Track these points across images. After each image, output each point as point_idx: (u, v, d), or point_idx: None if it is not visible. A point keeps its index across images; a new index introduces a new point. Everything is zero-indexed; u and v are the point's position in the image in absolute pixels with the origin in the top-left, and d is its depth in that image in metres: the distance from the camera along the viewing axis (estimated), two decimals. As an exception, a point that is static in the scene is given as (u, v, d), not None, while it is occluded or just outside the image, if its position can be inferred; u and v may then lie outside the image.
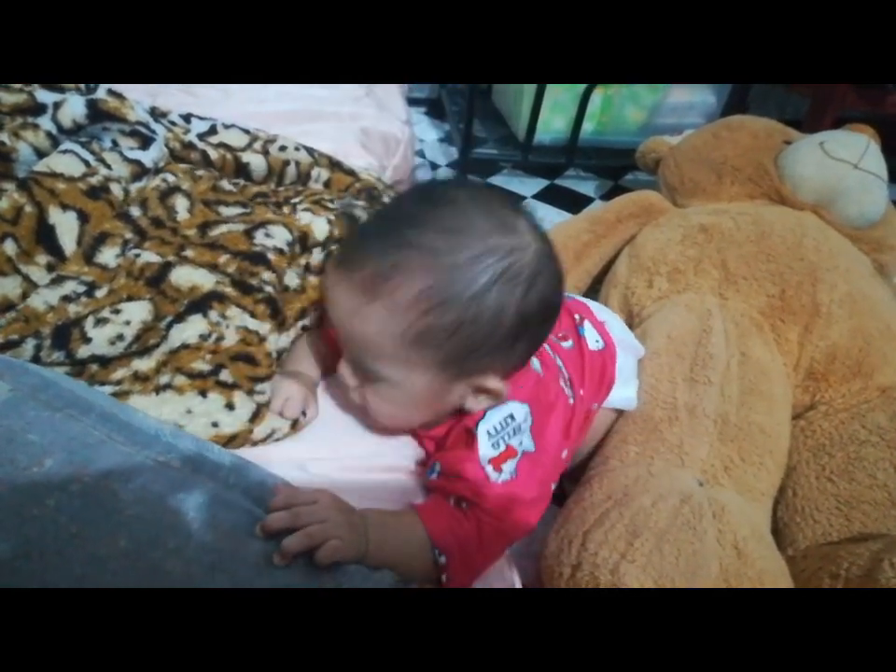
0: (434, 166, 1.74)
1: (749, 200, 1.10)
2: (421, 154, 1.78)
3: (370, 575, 0.50)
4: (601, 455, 0.79)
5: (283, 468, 0.57)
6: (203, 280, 0.63)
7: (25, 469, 0.47)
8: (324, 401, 0.67)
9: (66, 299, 0.60)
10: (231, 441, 0.58)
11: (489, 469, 0.57)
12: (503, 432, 0.59)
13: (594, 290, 1.13)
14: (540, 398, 0.64)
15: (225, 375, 0.59)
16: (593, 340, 0.78)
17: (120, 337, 0.59)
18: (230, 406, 0.58)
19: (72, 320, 0.58)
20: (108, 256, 0.64)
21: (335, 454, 0.63)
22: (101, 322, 0.58)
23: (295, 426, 0.62)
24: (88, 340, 0.57)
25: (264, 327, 0.63)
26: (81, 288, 0.61)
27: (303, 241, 0.72)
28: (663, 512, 0.67)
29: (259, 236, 0.68)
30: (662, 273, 0.96)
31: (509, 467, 0.58)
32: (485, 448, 0.58)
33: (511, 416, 0.60)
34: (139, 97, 1.13)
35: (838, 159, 1.04)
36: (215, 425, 0.57)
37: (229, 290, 0.63)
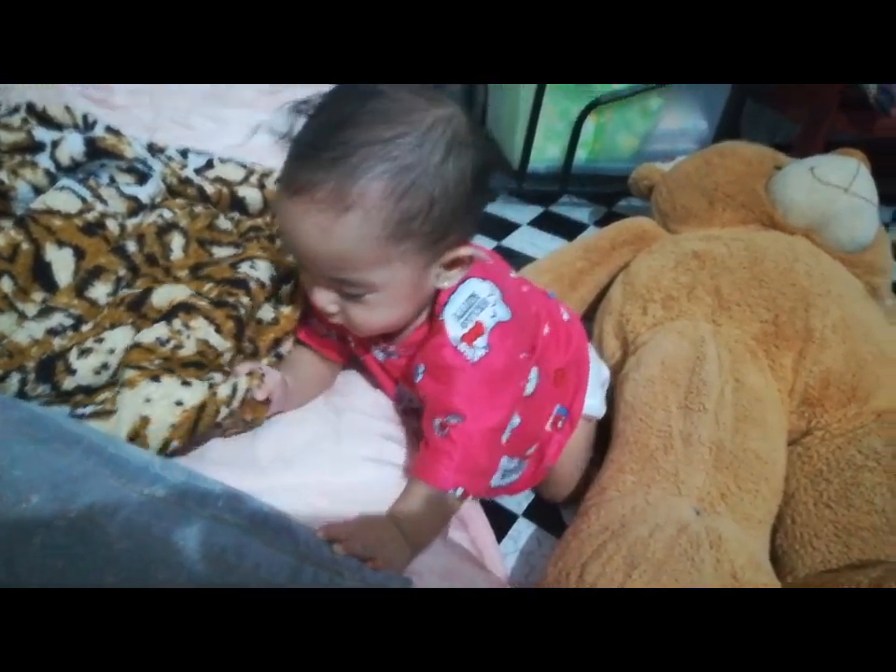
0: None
1: (741, 225, 1.11)
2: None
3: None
4: (598, 484, 0.79)
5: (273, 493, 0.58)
6: (181, 293, 0.64)
7: (13, 505, 0.47)
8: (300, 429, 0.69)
9: (52, 332, 0.60)
10: (202, 412, 0.57)
11: (462, 346, 0.60)
12: (469, 311, 0.62)
13: (589, 317, 1.13)
14: (500, 277, 0.66)
15: (172, 371, 0.59)
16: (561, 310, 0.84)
17: (105, 366, 0.60)
18: (185, 384, 0.58)
19: (56, 353, 0.59)
20: (100, 291, 0.64)
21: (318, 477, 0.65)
22: (85, 353, 0.59)
23: (252, 375, 0.62)
24: (73, 371, 0.58)
25: (225, 344, 0.64)
26: (68, 322, 0.62)
27: (289, 276, 0.73)
28: (660, 542, 0.67)
29: (244, 266, 0.70)
30: (656, 300, 0.96)
31: (481, 342, 0.61)
32: (454, 329, 0.61)
33: (473, 294, 0.62)
34: (137, 132, 1.16)
35: (829, 184, 1.04)
36: (179, 403, 0.57)
37: (202, 303, 0.64)
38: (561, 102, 1.53)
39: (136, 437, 0.55)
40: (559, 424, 0.81)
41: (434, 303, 0.64)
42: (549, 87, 1.46)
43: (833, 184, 1.04)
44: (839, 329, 0.90)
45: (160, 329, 0.59)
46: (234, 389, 0.59)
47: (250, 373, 0.62)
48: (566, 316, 0.83)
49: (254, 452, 0.67)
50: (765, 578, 0.69)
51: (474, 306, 0.62)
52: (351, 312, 0.60)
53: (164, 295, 0.63)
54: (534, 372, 0.74)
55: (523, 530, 0.91)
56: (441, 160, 0.54)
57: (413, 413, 0.74)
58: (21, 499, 0.47)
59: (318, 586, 0.50)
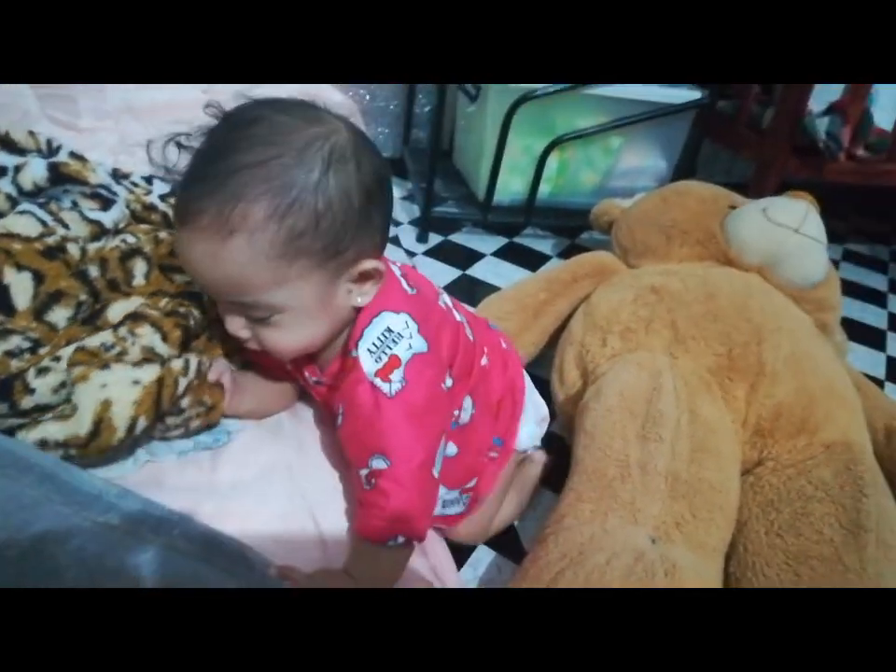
0: (396, 223, 1.77)
1: (697, 261, 1.14)
2: (384, 212, 1.81)
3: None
4: (557, 512, 0.79)
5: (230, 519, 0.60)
6: (133, 306, 0.65)
7: (-37, 535, 0.46)
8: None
9: (9, 354, 0.59)
10: (161, 386, 0.58)
11: (377, 381, 0.59)
12: (383, 346, 0.60)
13: (550, 347, 1.15)
14: (418, 307, 0.65)
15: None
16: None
17: (63, 384, 0.59)
18: (137, 365, 0.58)
19: (13, 374, 0.58)
20: (59, 315, 0.64)
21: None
22: (42, 371, 0.59)
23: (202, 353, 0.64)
24: (31, 391, 0.57)
25: (171, 352, 0.63)
26: (26, 344, 0.61)
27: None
28: (617, 571, 0.68)
29: (199, 283, 0.70)
30: (615, 332, 0.99)
31: (397, 375, 0.59)
32: (368, 364, 0.59)
33: (388, 329, 0.61)
34: (101, 156, 1.15)
35: (780, 224, 1.09)
36: (136, 382, 0.57)
37: (152, 312, 0.64)
38: (525, 138, 1.56)
39: (101, 422, 0.55)
40: (493, 454, 0.81)
41: (349, 335, 0.63)
42: (513, 124, 1.49)
43: (784, 224, 1.09)
44: (790, 364, 0.93)
45: (105, 336, 0.59)
46: (187, 362, 0.60)
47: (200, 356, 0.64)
48: (504, 346, 0.84)
49: (212, 477, 0.67)
50: (718, 606, 0.70)
51: (389, 340, 0.61)
52: (262, 335, 0.60)
53: (119, 309, 0.63)
54: (468, 401, 0.73)
55: (482, 557, 0.91)
56: (320, 176, 0.54)
57: None
58: (-29, 528, 0.46)
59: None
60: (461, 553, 0.89)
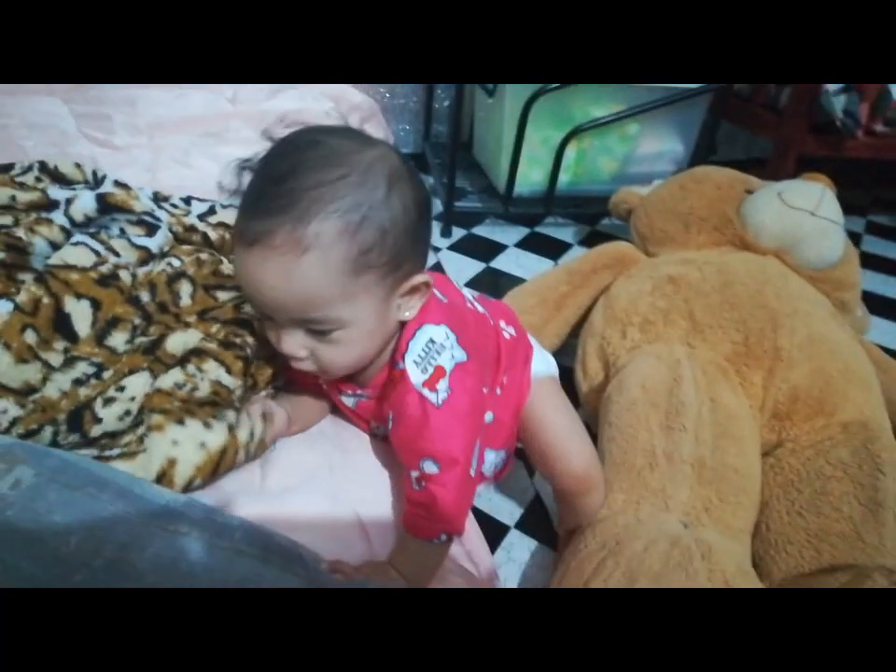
0: (420, 219, 1.81)
1: (715, 247, 1.17)
2: (407, 208, 1.85)
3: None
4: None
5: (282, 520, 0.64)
6: (191, 339, 0.69)
7: (55, 548, 0.52)
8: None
9: (77, 382, 0.65)
10: (223, 455, 0.62)
11: (425, 391, 0.62)
12: (428, 356, 0.63)
13: (573, 338, 1.19)
14: (454, 316, 0.69)
15: (192, 412, 0.64)
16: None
17: (127, 412, 0.64)
18: (207, 426, 0.62)
19: (83, 403, 0.64)
20: (119, 340, 0.69)
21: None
22: (108, 402, 0.64)
23: (266, 418, 0.68)
24: (99, 420, 0.63)
25: (236, 382, 0.68)
26: (91, 370, 0.67)
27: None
28: (655, 557, 0.71)
29: (247, 306, 0.75)
30: (634, 324, 1.02)
31: (442, 385, 0.62)
32: (416, 376, 0.63)
33: (431, 340, 0.64)
34: (138, 173, 1.21)
35: (796, 208, 1.11)
36: (202, 445, 0.61)
37: (211, 346, 0.69)
38: (543, 130, 1.59)
39: (164, 476, 0.60)
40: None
41: (395, 348, 0.66)
42: (531, 116, 1.52)
43: (801, 208, 1.11)
44: (806, 347, 0.95)
45: (175, 375, 0.64)
46: (252, 434, 0.64)
47: (264, 416, 0.67)
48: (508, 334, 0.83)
49: (263, 482, 0.72)
50: (753, 584, 0.74)
51: (433, 351, 0.64)
52: (321, 353, 0.62)
53: (178, 341, 0.68)
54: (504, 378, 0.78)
55: (515, 541, 0.96)
56: (386, 193, 0.57)
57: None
58: (61, 543, 0.52)
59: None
60: (494, 537, 0.94)
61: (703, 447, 0.84)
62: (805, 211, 1.11)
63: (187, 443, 0.60)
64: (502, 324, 0.81)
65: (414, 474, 0.63)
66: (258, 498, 0.70)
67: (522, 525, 0.98)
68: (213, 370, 0.66)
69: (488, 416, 0.74)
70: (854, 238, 1.84)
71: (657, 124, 1.66)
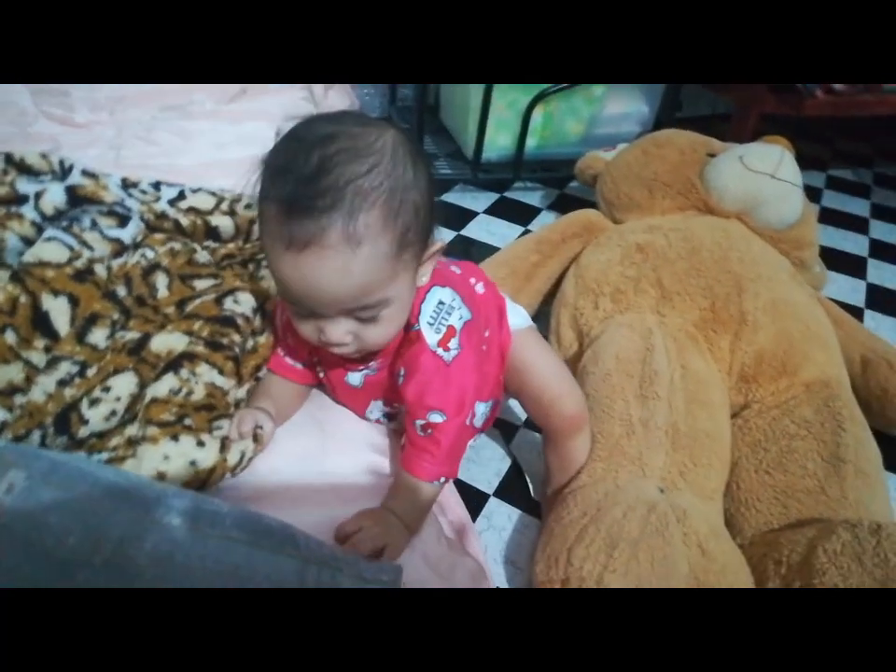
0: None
1: (679, 212, 1.19)
2: (375, 176, 1.84)
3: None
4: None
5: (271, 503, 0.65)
6: (178, 343, 0.70)
7: (53, 549, 0.53)
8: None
9: (62, 383, 0.66)
10: (211, 474, 0.64)
11: (440, 351, 0.67)
12: (440, 317, 0.69)
13: (545, 305, 1.21)
14: (451, 278, 0.74)
15: (188, 421, 0.65)
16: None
17: (113, 413, 0.65)
18: (200, 444, 0.64)
19: (69, 405, 0.64)
20: (99, 336, 0.70)
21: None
22: (94, 403, 0.65)
23: (258, 440, 0.69)
24: (85, 421, 0.64)
25: (230, 382, 0.70)
26: (74, 369, 0.67)
27: (263, 305, 0.79)
28: (633, 522, 0.74)
29: (228, 302, 0.75)
30: (605, 294, 1.04)
31: (454, 343, 0.68)
32: (431, 336, 0.67)
33: (441, 301, 0.69)
34: (102, 152, 1.18)
35: (756, 171, 1.13)
36: (192, 463, 0.63)
37: (200, 349, 0.70)
38: (509, 94, 1.58)
39: None
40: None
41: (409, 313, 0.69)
42: (495, 80, 1.51)
43: (761, 171, 1.13)
44: (769, 311, 0.99)
45: (170, 381, 0.66)
46: (242, 457, 0.66)
47: (255, 439, 0.68)
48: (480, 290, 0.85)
49: (251, 469, 0.74)
50: (726, 544, 0.77)
51: (443, 312, 0.69)
52: (366, 334, 0.64)
53: (162, 342, 0.69)
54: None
55: (494, 509, 0.99)
56: (413, 174, 0.60)
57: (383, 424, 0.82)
58: (59, 543, 0.53)
59: (322, 585, 0.57)
60: (474, 506, 0.97)
61: (676, 414, 0.87)
62: (766, 174, 1.13)
63: (177, 460, 0.62)
64: (472, 281, 0.83)
65: (420, 423, 0.68)
66: (245, 482, 0.71)
67: (500, 493, 1.01)
68: (206, 372, 0.68)
69: None
70: (814, 193, 1.89)
71: (622, 86, 1.66)
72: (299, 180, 0.56)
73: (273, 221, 0.57)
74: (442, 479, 0.70)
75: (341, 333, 0.63)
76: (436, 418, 0.67)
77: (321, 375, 0.77)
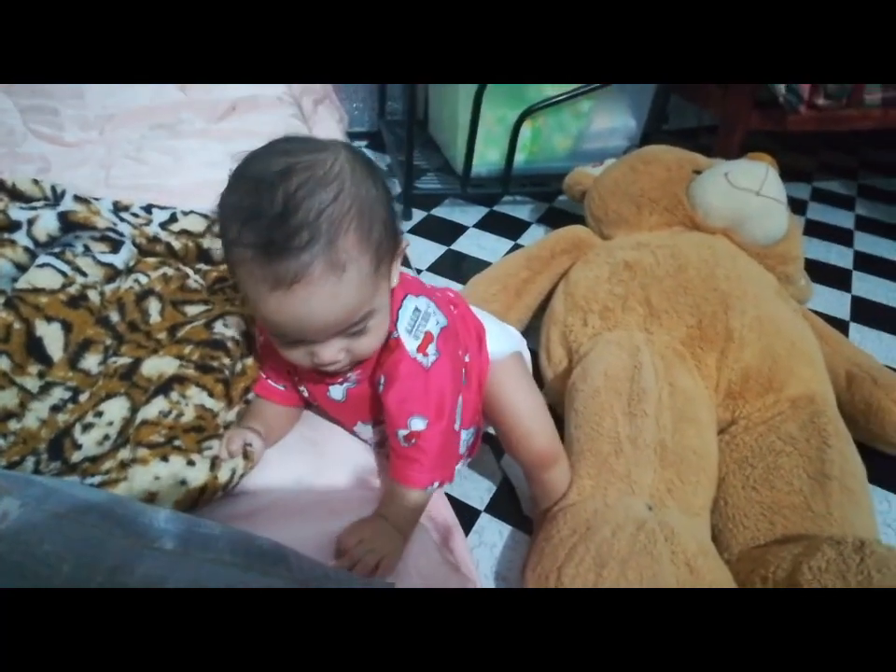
0: (378, 201, 1.82)
1: (666, 228, 1.21)
2: (366, 190, 1.86)
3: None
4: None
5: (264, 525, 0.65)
6: (168, 367, 0.71)
7: (48, 578, 0.53)
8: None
9: (55, 409, 0.66)
10: (202, 493, 0.64)
11: (419, 357, 0.68)
12: (417, 324, 0.69)
13: (536, 320, 1.22)
14: (425, 288, 0.75)
15: (178, 442, 0.65)
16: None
17: (106, 437, 0.66)
18: (190, 463, 0.64)
19: (62, 430, 0.65)
20: (91, 362, 0.70)
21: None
22: (87, 428, 0.65)
23: (248, 457, 0.70)
24: (79, 446, 0.64)
25: (219, 405, 0.71)
26: (67, 395, 0.68)
27: (250, 327, 0.79)
28: (623, 542, 0.75)
29: (219, 326, 0.76)
30: (594, 311, 1.06)
31: (432, 349, 0.69)
32: (410, 343, 0.68)
33: (416, 308, 0.70)
34: (93, 171, 1.19)
35: (741, 188, 1.15)
36: (183, 483, 0.63)
37: (190, 372, 0.70)
38: (498, 109, 1.60)
39: None
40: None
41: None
42: (485, 95, 1.53)
43: (746, 188, 1.15)
44: (755, 328, 1.00)
45: (160, 403, 0.66)
46: (233, 474, 0.66)
47: (246, 456, 0.69)
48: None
49: (244, 487, 0.74)
50: (713, 562, 0.78)
51: (420, 318, 0.70)
52: (357, 346, 0.65)
53: (153, 366, 0.69)
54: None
55: (486, 525, 1.00)
56: (375, 188, 0.61)
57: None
58: (53, 572, 0.53)
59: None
60: (466, 521, 0.98)
61: (664, 431, 0.89)
62: (751, 191, 1.15)
63: (168, 480, 0.62)
64: (451, 307, 0.83)
65: (402, 433, 0.68)
66: (240, 504, 0.72)
67: (491, 509, 1.02)
68: (196, 395, 0.68)
69: None
70: (799, 205, 1.91)
71: (609, 100, 1.68)
72: (271, 223, 0.56)
73: (252, 265, 0.57)
74: (436, 484, 0.70)
75: (333, 353, 0.64)
76: (418, 425, 0.67)
77: (305, 394, 0.78)
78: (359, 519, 0.69)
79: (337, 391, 0.75)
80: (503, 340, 0.87)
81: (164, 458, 0.63)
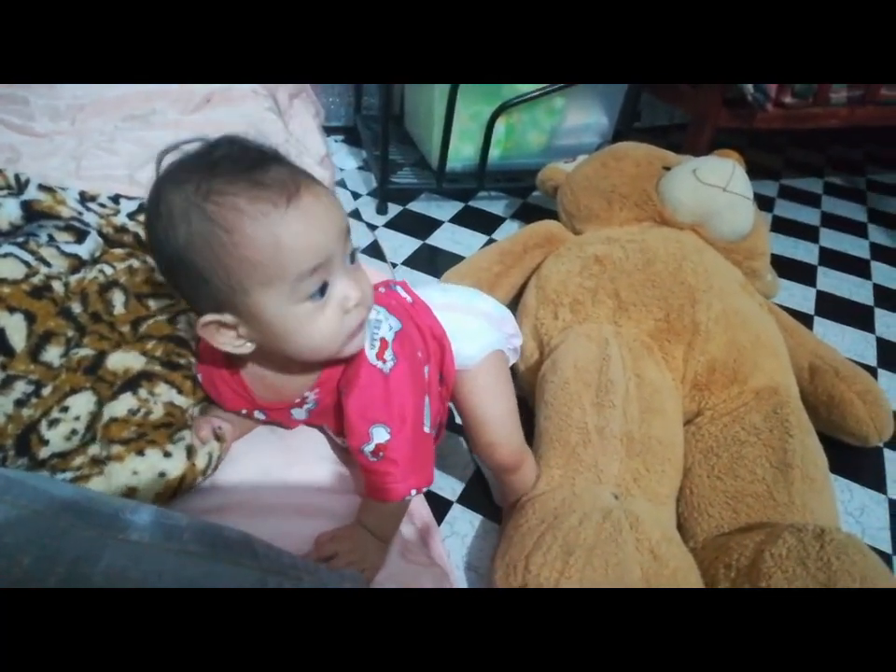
0: (356, 196, 1.81)
1: (636, 223, 1.22)
2: (342, 184, 1.86)
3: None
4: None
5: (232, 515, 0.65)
6: (135, 362, 0.70)
7: (7, 570, 0.53)
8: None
9: (19, 403, 0.65)
10: (183, 482, 0.64)
11: (378, 364, 0.66)
12: (371, 333, 0.68)
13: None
14: (376, 295, 0.72)
15: (150, 437, 0.65)
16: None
17: (74, 432, 0.65)
18: (167, 455, 0.64)
19: (27, 425, 0.64)
20: (53, 354, 0.69)
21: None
22: (54, 423, 0.64)
23: (220, 438, 0.70)
24: (46, 442, 0.63)
25: (188, 401, 0.70)
26: (30, 388, 0.66)
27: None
28: (589, 530, 0.76)
29: (182, 322, 0.75)
30: (565, 305, 1.07)
31: (388, 354, 0.67)
32: (368, 351, 0.67)
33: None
34: (63, 162, 1.17)
35: (709, 184, 1.17)
36: (162, 475, 0.63)
37: (158, 368, 0.70)
38: (472, 105, 1.61)
39: None
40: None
41: None
42: (460, 91, 1.53)
43: (713, 184, 1.17)
44: (721, 321, 1.02)
45: (128, 401, 0.65)
46: (210, 459, 0.66)
47: (218, 438, 0.69)
48: (409, 299, 0.83)
49: (213, 479, 0.74)
50: (677, 549, 0.79)
51: (372, 327, 0.68)
52: (363, 282, 0.63)
53: (118, 360, 0.69)
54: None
55: (458, 515, 1.01)
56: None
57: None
58: (13, 563, 0.52)
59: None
60: (438, 512, 0.99)
61: (630, 422, 0.90)
62: (718, 187, 1.17)
63: (147, 473, 0.62)
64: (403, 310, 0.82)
65: (368, 448, 0.66)
66: (210, 494, 0.71)
67: (463, 500, 1.03)
68: (165, 392, 0.68)
69: None
70: (767, 202, 1.94)
71: (582, 98, 1.69)
72: (240, 154, 0.56)
73: (245, 203, 0.54)
74: (413, 491, 0.68)
75: (352, 287, 0.60)
76: (381, 436, 0.65)
77: (261, 418, 0.76)
78: (339, 528, 0.68)
79: (299, 413, 0.74)
80: (481, 338, 0.84)
81: (140, 452, 0.63)
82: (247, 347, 0.61)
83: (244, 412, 0.75)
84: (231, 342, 0.61)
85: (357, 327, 0.62)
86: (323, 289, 0.59)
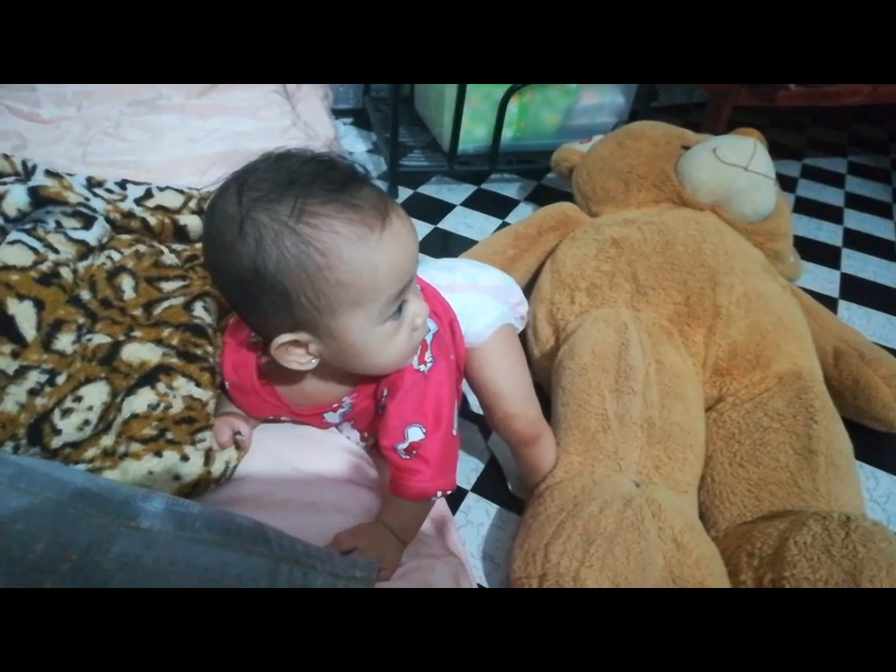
0: (365, 179, 1.79)
1: (654, 204, 1.19)
2: (351, 168, 1.83)
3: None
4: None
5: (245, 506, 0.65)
6: (151, 355, 0.69)
7: (21, 556, 0.52)
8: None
9: (32, 392, 0.65)
10: (196, 487, 0.64)
11: (420, 367, 0.67)
12: None
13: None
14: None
15: (170, 435, 0.64)
16: None
17: (87, 422, 0.64)
18: (184, 458, 0.64)
19: (41, 415, 0.63)
20: (65, 342, 0.69)
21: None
22: (66, 413, 0.64)
23: (239, 446, 0.69)
24: (58, 432, 0.63)
25: (207, 394, 0.69)
26: (43, 378, 0.66)
27: (228, 309, 0.77)
28: (610, 518, 0.75)
29: (198, 309, 0.74)
30: (581, 289, 1.04)
31: (428, 356, 0.68)
32: None
33: None
34: (69, 148, 1.16)
35: (729, 163, 1.13)
36: (177, 478, 0.63)
37: (174, 361, 0.69)
38: (483, 85, 1.58)
39: None
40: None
41: None
42: (470, 72, 1.51)
43: (734, 163, 1.13)
44: (742, 304, 0.99)
45: (148, 396, 0.65)
46: (226, 467, 0.66)
47: (237, 446, 0.69)
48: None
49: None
50: (700, 538, 0.78)
51: None
52: (418, 289, 0.64)
53: (133, 351, 0.68)
54: None
55: (472, 504, 0.99)
56: None
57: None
58: (27, 550, 0.52)
59: (294, 584, 0.56)
60: (453, 501, 0.97)
61: (651, 408, 0.88)
62: (739, 166, 1.13)
63: (161, 475, 0.61)
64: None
65: (402, 446, 0.66)
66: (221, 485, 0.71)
67: (478, 488, 1.01)
68: (183, 385, 0.67)
69: None
70: (789, 183, 1.90)
71: (597, 76, 1.66)
72: (328, 171, 0.56)
73: (342, 226, 0.54)
74: (439, 493, 0.69)
75: (421, 301, 0.64)
76: (416, 435, 0.66)
77: (286, 419, 0.76)
78: (359, 525, 0.68)
79: (332, 416, 0.75)
80: (488, 315, 0.86)
81: (158, 454, 0.62)
82: (312, 364, 0.62)
83: (271, 417, 0.75)
84: (297, 359, 0.61)
85: (422, 342, 0.66)
86: (400, 308, 0.61)
